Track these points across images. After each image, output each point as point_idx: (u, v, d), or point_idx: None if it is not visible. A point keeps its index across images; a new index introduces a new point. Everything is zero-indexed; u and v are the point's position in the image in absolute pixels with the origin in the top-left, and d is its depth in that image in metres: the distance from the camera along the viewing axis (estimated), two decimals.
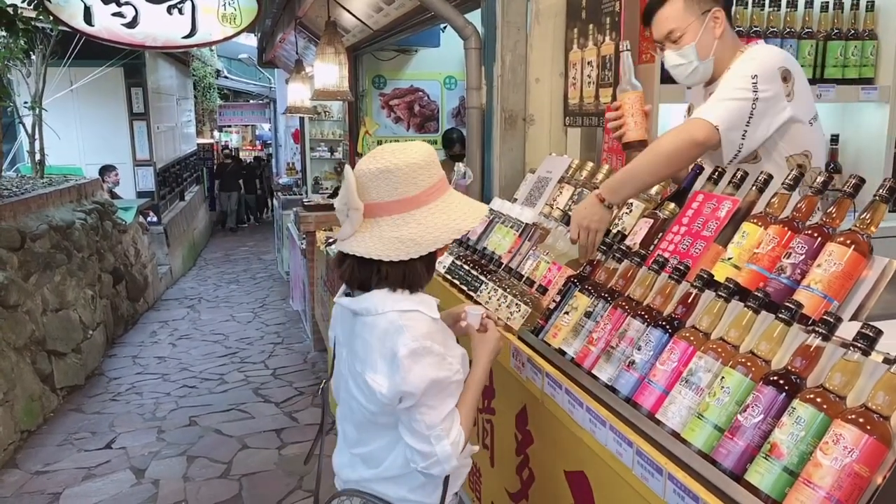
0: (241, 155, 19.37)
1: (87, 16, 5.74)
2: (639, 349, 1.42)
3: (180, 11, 6.02)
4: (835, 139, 2.90)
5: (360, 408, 1.48)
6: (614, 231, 1.87)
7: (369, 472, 1.53)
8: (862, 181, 1.36)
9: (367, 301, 1.43)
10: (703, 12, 1.94)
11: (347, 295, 1.50)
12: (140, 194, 9.43)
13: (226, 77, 16.68)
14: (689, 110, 2.22)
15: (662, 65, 2.51)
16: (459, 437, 1.44)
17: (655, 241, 1.72)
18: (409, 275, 1.42)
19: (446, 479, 1.50)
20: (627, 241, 1.79)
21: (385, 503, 1.51)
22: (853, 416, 1.01)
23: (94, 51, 7.21)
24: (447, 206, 1.44)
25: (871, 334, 1.06)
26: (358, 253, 1.41)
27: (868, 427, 0.99)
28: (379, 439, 1.51)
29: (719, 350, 1.26)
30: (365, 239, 1.41)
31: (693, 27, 1.95)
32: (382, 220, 1.41)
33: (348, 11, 5.56)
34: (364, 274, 1.44)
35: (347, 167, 1.45)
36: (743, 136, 1.84)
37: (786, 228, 1.39)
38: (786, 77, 1.86)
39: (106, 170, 8.47)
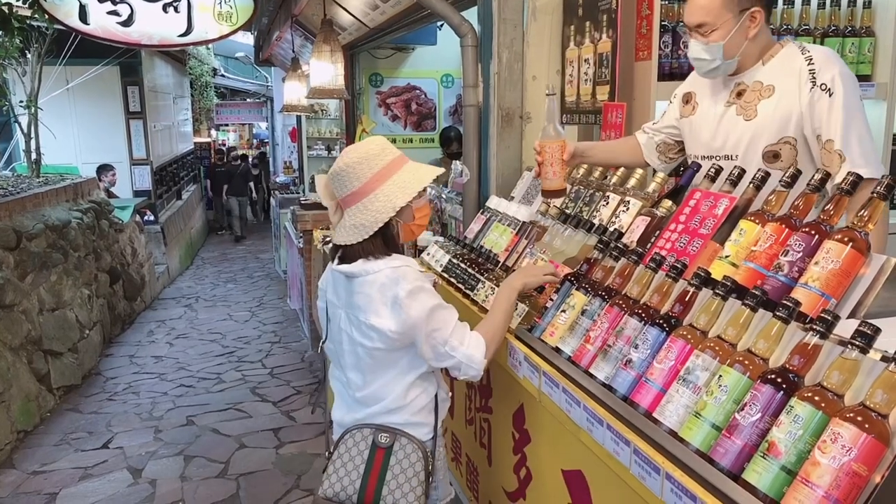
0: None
1: (83, 14, 5.71)
2: (636, 348, 1.41)
3: (176, 9, 6.00)
4: None
5: (366, 352, 1.78)
6: (611, 229, 1.86)
7: (370, 409, 1.81)
8: (859, 178, 1.35)
9: (360, 265, 1.75)
10: (742, 10, 1.87)
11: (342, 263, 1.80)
12: (137, 193, 9.40)
13: (222, 75, 16.63)
14: (688, 101, 2.18)
15: (660, 61, 2.53)
16: (476, 340, 1.76)
17: (652, 239, 1.71)
18: (365, 248, 1.75)
19: (436, 405, 1.84)
20: (624, 239, 1.78)
21: (392, 429, 1.80)
22: (851, 415, 1.01)
23: (90, 49, 7.18)
24: (390, 189, 1.73)
25: (868, 332, 1.05)
26: (336, 241, 1.80)
27: (866, 425, 0.99)
28: (382, 377, 1.80)
29: (717, 348, 1.25)
30: (338, 230, 1.80)
31: (726, 25, 1.88)
32: (347, 211, 1.78)
33: (344, 9, 5.54)
34: (346, 250, 1.78)
35: (318, 175, 1.73)
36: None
37: (783, 226, 1.38)
38: None
39: (103, 169, 8.45)
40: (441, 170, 1.89)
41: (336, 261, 1.82)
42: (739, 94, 1.99)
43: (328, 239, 4.23)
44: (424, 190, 1.80)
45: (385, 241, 1.77)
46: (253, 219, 15.34)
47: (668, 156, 2.31)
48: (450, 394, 1.96)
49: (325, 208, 1.88)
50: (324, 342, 1.96)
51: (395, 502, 1.75)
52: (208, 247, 12.60)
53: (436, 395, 1.85)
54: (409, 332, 1.72)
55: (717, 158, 1.99)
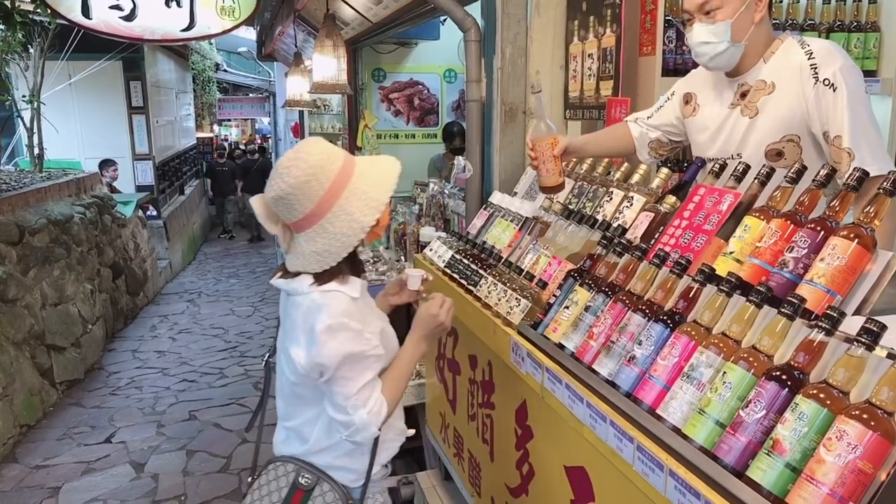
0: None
1: (85, 8, 5.70)
2: (639, 344, 1.41)
3: (178, 4, 5.99)
4: None
5: (286, 381, 1.64)
6: (615, 225, 1.86)
7: (301, 447, 1.67)
8: (865, 174, 1.34)
9: (295, 282, 1.57)
10: None
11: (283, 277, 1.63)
12: (139, 188, 9.41)
13: (225, 71, 16.63)
14: (688, 101, 2.14)
15: (664, 56, 2.51)
16: (379, 407, 1.56)
17: (656, 235, 1.70)
18: (328, 274, 1.55)
19: (374, 447, 1.64)
20: (628, 235, 1.77)
21: (316, 469, 1.64)
22: (857, 412, 1.00)
23: (93, 44, 7.18)
24: (350, 204, 1.51)
25: (874, 329, 1.05)
26: (291, 269, 1.57)
27: (872, 423, 0.98)
28: (304, 413, 1.64)
29: (721, 345, 1.25)
30: (291, 257, 1.57)
31: (733, 3, 1.82)
32: (299, 237, 1.55)
33: (347, 4, 5.53)
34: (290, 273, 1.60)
35: (254, 198, 1.61)
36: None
37: (788, 222, 1.37)
38: None
39: (105, 164, 8.45)
40: (395, 162, 1.64)
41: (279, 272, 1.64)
42: (744, 95, 1.95)
43: None
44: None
45: (352, 265, 1.59)
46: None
47: (658, 152, 2.28)
48: (402, 435, 1.78)
49: None
50: (270, 356, 1.79)
51: None
52: (211, 242, 12.62)
53: (375, 437, 1.62)
54: (314, 371, 1.52)
55: (724, 160, 1.97)
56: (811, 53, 1.83)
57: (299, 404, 1.64)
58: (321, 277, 1.54)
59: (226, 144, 17.61)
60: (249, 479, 1.73)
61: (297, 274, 1.56)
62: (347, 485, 1.66)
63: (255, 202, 1.60)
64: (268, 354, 1.80)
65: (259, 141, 21.63)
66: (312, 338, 1.50)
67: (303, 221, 1.52)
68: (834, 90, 1.79)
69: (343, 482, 1.65)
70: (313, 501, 1.62)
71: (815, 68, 1.81)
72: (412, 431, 1.82)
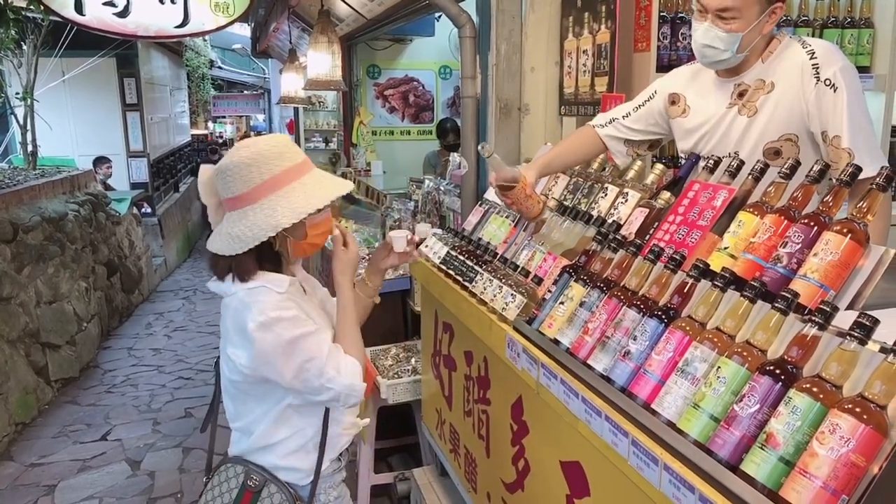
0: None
1: (79, 5, 5.67)
2: (634, 339, 1.41)
3: (172, 1, 5.97)
4: None
5: (228, 382, 1.64)
6: (610, 221, 1.86)
7: (243, 444, 1.67)
8: (858, 169, 1.35)
9: (219, 285, 1.59)
10: (770, 2, 1.80)
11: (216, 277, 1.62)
12: (134, 186, 9.38)
13: (219, 67, 16.59)
14: (675, 102, 2.11)
15: (658, 52, 2.52)
16: (353, 366, 1.60)
17: (651, 231, 1.71)
18: (236, 267, 1.55)
19: (322, 444, 1.65)
20: (623, 231, 1.78)
21: (263, 470, 1.64)
22: (849, 406, 1.01)
23: (86, 41, 7.14)
24: (279, 203, 1.51)
25: (867, 323, 1.05)
26: (208, 248, 1.59)
27: (864, 416, 0.99)
28: (253, 410, 1.64)
29: (715, 340, 1.25)
30: (214, 234, 1.58)
31: (751, 15, 1.79)
32: (228, 215, 1.57)
33: (342, 0, 5.52)
34: (212, 261, 1.60)
35: (204, 166, 1.62)
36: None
37: (782, 217, 1.38)
38: None
39: (99, 161, 8.42)
40: (349, 185, 1.69)
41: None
42: (741, 95, 1.95)
43: None
44: (336, 209, 1.65)
45: (260, 258, 1.56)
46: None
47: (636, 151, 2.27)
48: (353, 429, 1.79)
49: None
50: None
51: None
52: (206, 239, 12.58)
53: (324, 431, 1.66)
54: (262, 368, 1.53)
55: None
56: (813, 53, 1.83)
57: (248, 402, 1.64)
58: (239, 273, 1.55)
59: (220, 141, 17.29)
60: (204, 479, 1.73)
61: (223, 271, 1.57)
62: (295, 483, 1.66)
63: (203, 170, 1.62)
64: (218, 356, 1.77)
65: (237, 138, 21.57)
66: (246, 337, 1.51)
67: (234, 200, 1.54)
68: (835, 90, 1.79)
69: (290, 481, 1.65)
70: (262, 503, 1.62)
71: (817, 68, 1.81)
72: (366, 421, 1.84)
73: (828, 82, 1.79)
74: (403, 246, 1.88)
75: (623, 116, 2.25)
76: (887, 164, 1.75)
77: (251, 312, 1.50)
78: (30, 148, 6.91)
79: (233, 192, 1.53)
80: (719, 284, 1.31)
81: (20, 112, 6.90)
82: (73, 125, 9.07)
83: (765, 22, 1.83)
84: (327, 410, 1.67)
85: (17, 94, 6.82)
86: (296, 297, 1.61)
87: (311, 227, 1.60)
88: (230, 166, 1.52)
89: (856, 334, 1.06)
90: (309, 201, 1.54)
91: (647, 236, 1.70)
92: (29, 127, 6.87)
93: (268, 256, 1.58)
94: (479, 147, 2.10)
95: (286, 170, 1.54)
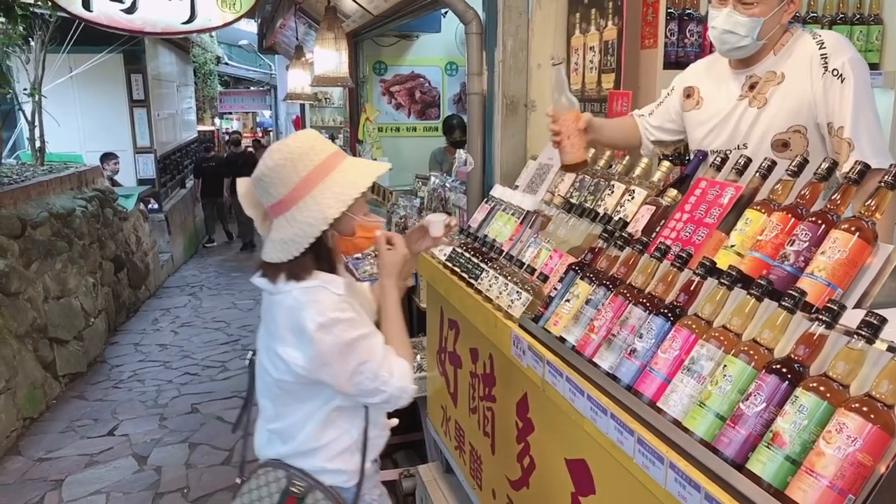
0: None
1: (86, 1, 5.68)
2: (640, 337, 1.41)
3: None
4: None
5: (274, 382, 1.59)
6: (616, 218, 1.86)
7: (284, 448, 1.62)
8: (867, 167, 1.34)
9: (274, 282, 1.54)
10: None
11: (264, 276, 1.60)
12: (141, 182, 9.41)
13: (226, 64, 16.59)
14: (690, 95, 2.13)
15: (665, 49, 2.51)
16: (404, 368, 1.59)
17: (657, 229, 1.70)
18: (292, 268, 1.52)
19: (364, 446, 1.63)
20: (629, 229, 1.77)
21: (306, 475, 1.60)
22: (857, 405, 1.00)
23: (94, 37, 7.16)
24: (322, 196, 1.50)
25: (875, 322, 1.05)
26: (262, 258, 1.56)
27: (872, 416, 0.98)
28: (295, 412, 1.60)
29: (721, 338, 1.25)
30: (266, 243, 1.56)
31: (772, 1, 1.80)
32: (275, 222, 1.54)
33: None
34: (264, 266, 1.57)
35: (240, 179, 1.60)
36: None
37: (789, 215, 1.37)
38: None
39: (106, 157, 8.45)
40: (387, 166, 1.66)
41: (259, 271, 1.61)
42: (752, 87, 1.95)
43: None
44: (366, 201, 1.60)
45: (317, 258, 1.54)
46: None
47: (660, 149, 2.29)
48: (387, 430, 1.77)
49: None
50: (254, 355, 1.73)
51: None
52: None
53: (365, 433, 1.64)
54: (320, 369, 1.50)
55: (728, 151, 1.97)
56: (822, 44, 1.83)
57: (290, 403, 1.60)
58: (296, 274, 1.52)
59: (227, 136, 16.82)
60: (238, 481, 1.69)
61: (276, 272, 1.54)
62: (340, 486, 1.63)
63: (240, 183, 1.61)
64: (251, 353, 1.75)
65: (260, 134, 21.53)
66: (304, 338, 1.48)
67: (277, 206, 1.52)
68: (842, 81, 1.79)
69: (335, 484, 1.62)
70: None
71: (825, 58, 1.81)
72: (395, 421, 1.82)
73: (835, 72, 1.79)
74: (441, 231, 1.83)
75: (649, 113, 2.28)
76: (894, 163, 1.74)
77: (310, 312, 1.47)
78: (37, 144, 6.94)
79: (274, 198, 1.51)
80: (726, 282, 1.31)
81: (28, 108, 6.92)
82: (81, 121, 9.10)
83: (783, 10, 1.83)
84: (367, 410, 1.65)
85: (25, 89, 6.85)
86: (349, 299, 1.57)
87: (359, 226, 1.60)
88: (266, 172, 1.50)
89: (863, 333, 1.05)
90: (350, 187, 1.52)
91: (654, 234, 1.69)
92: (37, 123, 6.90)
93: (324, 256, 1.56)
94: (551, 57, 2.08)
95: (321, 163, 1.52)
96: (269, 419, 1.65)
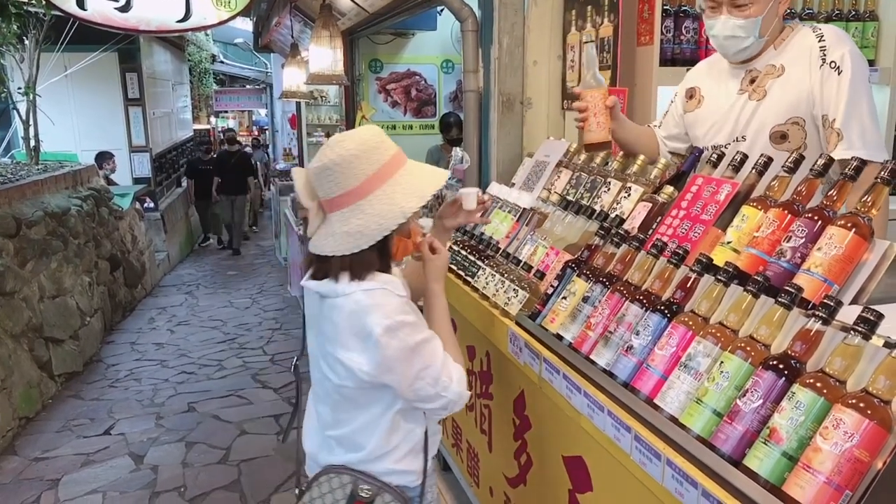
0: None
1: (80, 0, 5.66)
2: (637, 334, 1.41)
3: None
4: None
5: (334, 388, 1.52)
6: (612, 215, 1.86)
7: (353, 456, 1.56)
8: (864, 163, 1.34)
9: (329, 284, 1.47)
10: None
11: (314, 278, 1.53)
12: (136, 180, 9.38)
13: (221, 62, 16.55)
14: (692, 96, 2.15)
15: (661, 46, 2.50)
16: (461, 374, 1.54)
17: (654, 226, 1.70)
18: (355, 265, 1.45)
19: (426, 444, 1.58)
20: (626, 226, 1.77)
21: (374, 479, 1.55)
22: (853, 401, 1.00)
23: (88, 36, 7.13)
24: (393, 191, 1.45)
25: (871, 318, 1.05)
26: (315, 251, 1.48)
27: (868, 412, 0.99)
28: (357, 419, 1.54)
29: (718, 335, 1.25)
30: (321, 237, 1.48)
31: None
32: (333, 215, 1.47)
33: None
34: (320, 266, 1.50)
35: (296, 169, 1.53)
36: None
37: (786, 212, 1.37)
38: None
39: (103, 157, 8.42)
40: (447, 173, 1.62)
41: (308, 274, 1.55)
42: (752, 81, 1.96)
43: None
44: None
45: (381, 257, 1.48)
46: (250, 227, 12.13)
47: (678, 159, 2.30)
48: (440, 425, 1.73)
49: None
50: (300, 358, 1.69)
51: None
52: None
53: (425, 432, 1.59)
54: (385, 374, 1.45)
55: (728, 145, 1.98)
56: (821, 37, 1.85)
57: (350, 409, 1.54)
58: (358, 272, 1.45)
59: (222, 136, 16.49)
60: (297, 491, 1.62)
61: (325, 275, 1.49)
62: (406, 485, 1.58)
63: (297, 173, 1.52)
64: (295, 358, 1.69)
65: (256, 133, 21.46)
66: (369, 342, 1.42)
67: (341, 198, 1.44)
68: (839, 73, 1.80)
69: (402, 484, 1.57)
70: None
71: (824, 50, 1.83)
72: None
73: (833, 65, 1.80)
74: (474, 203, 1.79)
75: (658, 126, 2.32)
76: (886, 155, 1.75)
77: (375, 316, 1.42)
78: (32, 143, 6.91)
79: (342, 189, 1.43)
80: (722, 279, 1.31)
81: (22, 107, 6.89)
82: (76, 120, 9.07)
83: (778, 2, 1.85)
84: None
85: (20, 88, 6.81)
86: (409, 302, 1.54)
87: (413, 229, 1.57)
88: (337, 161, 1.41)
89: (860, 329, 1.05)
90: (426, 184, 1.49)
91: (650, 231, 1.69)
92: (31, 122, 6.87)
93: (386, 255, 1.50)
94: (584, 39, 2.06)
95: (392, 157, 1.47)
96: (327, 425, 1.59)
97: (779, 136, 1.90)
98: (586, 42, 2.05)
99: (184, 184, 11.49)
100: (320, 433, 1.62)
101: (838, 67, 1.80)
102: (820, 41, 1.84)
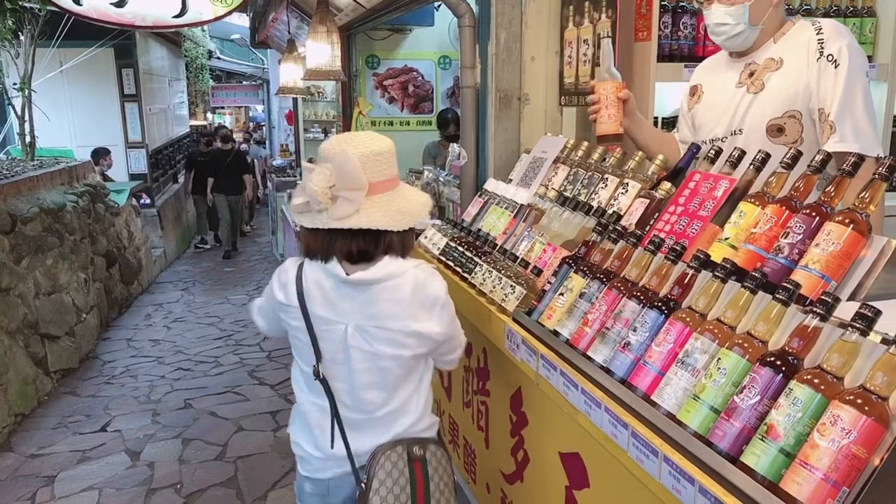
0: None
1: None
2: (634, 330, 1.41)
3: None
4: None
5: (397, 364, 1.63)
6: (610, 212, 1.85)
7: (404, 421, 1.68)
8: (861, 159, 1.34)
9: (385, 268, 1.57)
10: None
11: (349, 261, 1.59)
12: (133, 177, 9.35)
13: (218, 58, 16.50)
14: (694, 93, 2.17)
15: (659, 41, 2.50)
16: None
17: (651, 222, 1.70)
18: (408, 242, 1.64)
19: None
20: (623, 222, 1.77)
21: (417, 438, 1.69)
22: (851, 397, 1.00)
23: (84, 31, 7.10)
24: (405, 191, 1.66)
25: (869, 314, 1.05)
26: (370, 226, 1.54)
27: (866, 408, 0.98)
28: (405, 388, 1.68)
29: (716, 331, 1.25)
30: (371, 214, 1.54)
31: None
32: (377, 197, 1.57)
33: None
34: (368, 245, 1.58)
35: (340, 152, 1.55)
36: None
37: (783, 208, 1.37)
38: None
39: (99, 153, 8.39)
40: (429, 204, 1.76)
41: (334, 268, 1.58)
42: (751, 74, 1.98)
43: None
44: None
45: (410, 240, 1.68)
46: (248, 226, 11.68)
47: None
48: None
49: None
50: (319, 363, 1.66)
51: None
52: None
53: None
54: (451, 328, 1.67)
55: (724, 139, 1.99)
56: (820, 30, 1.86)
57: (404, 379, 1.67)
58: (406, 252, 1.63)
59: (213, 133, 15.36)
60: (363, 484, 1.64)
61: (385, 246, 1.59)
62: (434, 435, 1.75)
63: (345, 156, 1.56)
64: (317, 364, 1.66)
65: (252, 127, 21.36)
66: (438, 306, 1.61)
67: (384, 183, 1.59)
68: (836, 66, 1.80)
69: (434, 434, 1.75)
70: (430, 465, 1.67)
71: (822, 43, 1.83)
72: None
73: (830, 58, 1.80)
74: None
75: (676, 132, 2.33)
76: (878, 148, 1.75)
77: (436, 283, 1.62)
78: (28, 139, 6.88)
79: (386, 175, 1.59)
80: (720, 275, 1.30)
81: (18, 103, 6.86)
82: (72, 116, 9.03)
83: None
84: None
85: (15, 84, 6.78)
86: None
87: None
88: (385, 149, 1.60)
89: (857, 325, 1.05)
90: (423, 200, 1.70)
91: (648, 227, 1.69)
92: (27, 118, 6.84)
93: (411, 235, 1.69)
94: (601, 34, 2.09)
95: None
96: (377, 407, 1.66)
97: (775, 130, 1.90)
98: (603, 37, 2.07)
99: (180, 179, 11.42)
100: (370, 423, 1.68)
101: (835, 60, 1.80)
102: (818, 34, 1.85)
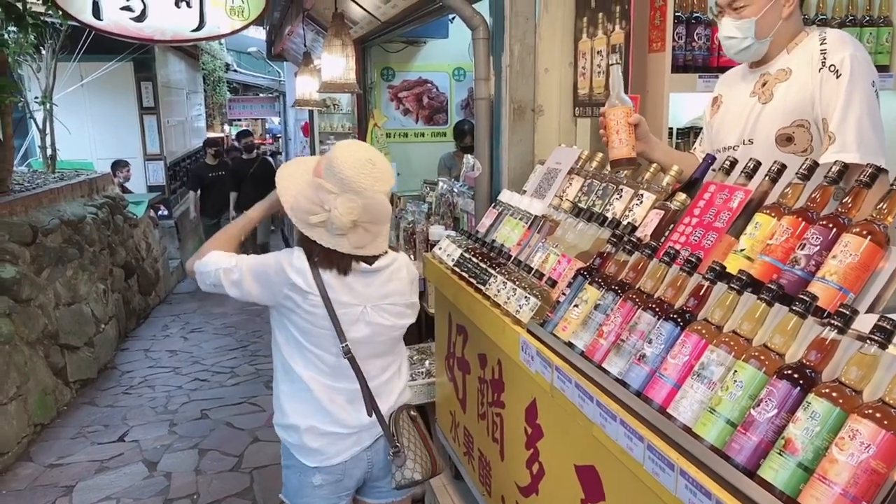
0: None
1: (96, 10, 5.73)
2: (650, 342, 1.40)
3: (188, 4, 6.01)
4: None
5: (400, 332, 2.03)
6: (625, 223, 1.85)
7: (396, 389, 2.04)
8: (879, 170, 1.33)
9: (388, 257, 1.97)
10: None
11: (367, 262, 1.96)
12: (151, 188, 9.46)
13: (235, 71, 16.68)
14: (714, 103, 2.19)
15: (673, 52, 2.50)
16: None
17: (666, 233, 1.69)
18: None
19: None
20: (638, 233, 1.76)
21: (409, 405, 2.09)
22: (870, 411, 0.99)
23: (104, 45, 7.22)
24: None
25: (888, 327, 1.03)
26: (383, 251, 1.96)
27: (885, 422, 0.97)
28: (400, 352, 2.08)
29: (732, 343, 1.24)
30: (384, 238, 1.95)
31: (759, 1, 1.88)
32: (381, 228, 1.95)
33: (356, 3, 5.53)
34: (374, 256, 1.97)
35: (369, 188, 1.81)
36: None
37: (800, 219, 1.36)
38: None
39: (118, 165, 8.50)
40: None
41: (356, 266, 1.91)
42: (763, 84, 2.00)
43: None
44: None
45: None
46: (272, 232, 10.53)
47: None
48: None
49: None
50: (346, 343, 1.88)
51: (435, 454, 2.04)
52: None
53: None
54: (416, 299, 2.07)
55: (736, 147, 2.00)
56: (824, 40, 1.87)
57: (399, 345, 2.07)
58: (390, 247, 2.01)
59: (235, 142, 14.21)
60: (393, 450, 1.95)
61: (375, 257, 1.92)
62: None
63: (382, 201, 1.88)
64: (344, 345, 1.89)
65: (270, 140, 21.50)
66: (416, 281, 2.06)
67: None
68: (837, 76, 1.81)
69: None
70: (419, 420, 2.05)
71: (825, 53, 1.84)
72: None
73: (832, 68, 1.81)
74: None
75: (699, 145, 2.33)
76: (884, 162, 1.74)
77: (412, 264, 2.07)
78: (49, 151, 6.99)
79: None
80: (736, 287, 1.30)
81: (39, 116, 6.98)
82: (92, 129, 9.17)
83: (780, 5, 1.88)
84: None
85: (37, 98, 6.91)
86: None
87: None
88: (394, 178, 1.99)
89: (876, 338, 1.04)
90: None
91: (663, 238, 1.68)
92: (48, 131, 6.96)
93: None
94: (611, 59, 2.19)
95: None
96: (384, 370, 2.01)
97: (784, 139, 1.91)
98: (612, 64, 2.11)
99: (191, 195, 10.66)
100: (382, 393, 1.98)
101: (837, 71, 1.81)
102: (822, 44, 1.86)
